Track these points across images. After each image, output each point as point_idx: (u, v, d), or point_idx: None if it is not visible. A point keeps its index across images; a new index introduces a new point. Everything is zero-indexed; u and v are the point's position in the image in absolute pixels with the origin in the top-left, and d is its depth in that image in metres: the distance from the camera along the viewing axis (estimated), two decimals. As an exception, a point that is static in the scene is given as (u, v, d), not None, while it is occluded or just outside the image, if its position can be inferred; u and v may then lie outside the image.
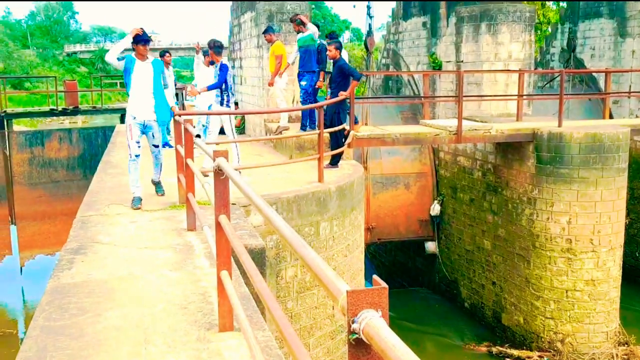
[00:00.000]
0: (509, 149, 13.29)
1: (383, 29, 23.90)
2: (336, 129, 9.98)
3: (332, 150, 10.32)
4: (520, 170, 12.99)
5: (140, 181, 7.66)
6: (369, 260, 20.13)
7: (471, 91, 15.01)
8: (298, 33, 11.91)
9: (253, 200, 2.91)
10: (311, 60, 11.61)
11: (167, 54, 14.73)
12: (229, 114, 9.94)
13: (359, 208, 10.09)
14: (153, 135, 7.68)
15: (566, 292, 12.38)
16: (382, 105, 17.17)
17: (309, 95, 11.61)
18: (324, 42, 11.61)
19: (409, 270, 18.13)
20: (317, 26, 12.09)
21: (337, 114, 10.13)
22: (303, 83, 11.69)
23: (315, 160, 9.40)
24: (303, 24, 11.64)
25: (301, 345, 2.14)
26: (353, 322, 1.55)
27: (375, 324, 1.50)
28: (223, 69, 9.75)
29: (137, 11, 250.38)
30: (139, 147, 7.62)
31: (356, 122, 11.91)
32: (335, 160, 10.45)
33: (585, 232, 12.17)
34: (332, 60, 10.59)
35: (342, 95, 10.01)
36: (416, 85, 17.88)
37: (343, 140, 10.44)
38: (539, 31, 26.15)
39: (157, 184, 8.17)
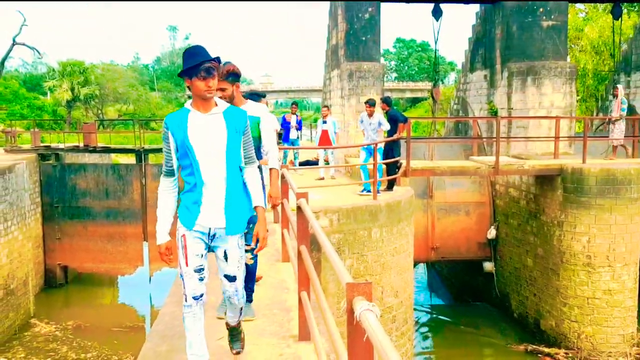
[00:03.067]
0: (545, 181, 16.02)
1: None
2: (389, 161, 13.34)
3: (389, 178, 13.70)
4: (552, 199, 15.70)
5: (204, 342, 4.01)
6: (442, 280, 23.13)
7: (519, 133, 17.90)
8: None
9: (319, 235, 3.76)
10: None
11: (294, 105, 16.11)
12: (322, 148, 13.51)
13: (406, 221, 13.32)
14: (225, 257, 3.92)
15: (587, 299, 14.90)
16: (449, 145, 20.29)
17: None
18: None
19: (472, 287, 20.86)
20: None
21: (391, 149, 13.48)
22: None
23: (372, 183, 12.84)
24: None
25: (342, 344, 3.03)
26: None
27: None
28: None
29: (250, 58, 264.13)
30: (202, 279, 3.89)
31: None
32: (390, 185, 13.78)
33: (602, 250, 14.69)
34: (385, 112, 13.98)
35: (395, 136, 13.38)
36: (479, 127, 20.86)
37: (396, 170, 13.79)
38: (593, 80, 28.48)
39: (234, 333, 4.39)
